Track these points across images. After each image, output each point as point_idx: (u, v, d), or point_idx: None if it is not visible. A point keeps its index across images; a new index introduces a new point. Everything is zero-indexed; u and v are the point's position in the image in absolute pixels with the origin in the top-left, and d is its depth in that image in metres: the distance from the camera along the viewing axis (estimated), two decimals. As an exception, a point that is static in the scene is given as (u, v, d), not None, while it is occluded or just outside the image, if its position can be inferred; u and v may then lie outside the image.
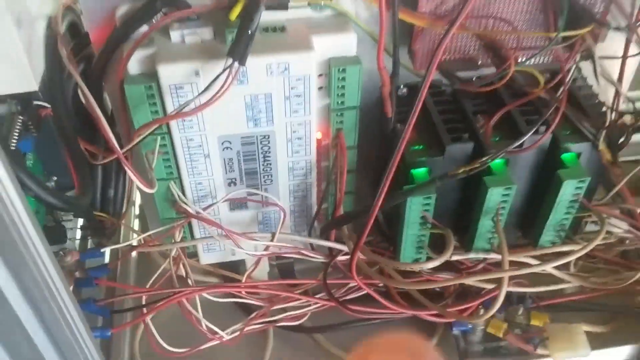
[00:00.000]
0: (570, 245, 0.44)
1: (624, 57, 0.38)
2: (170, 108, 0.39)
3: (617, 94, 0.48)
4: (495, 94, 0.44)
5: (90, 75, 0.41)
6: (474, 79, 0.45)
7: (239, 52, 0.36)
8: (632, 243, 0.56)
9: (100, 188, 0.47)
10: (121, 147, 0.40)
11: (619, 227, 0.57)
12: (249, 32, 0.36)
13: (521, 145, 0.42)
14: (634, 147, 0.64)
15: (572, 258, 0.42)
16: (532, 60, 0.41)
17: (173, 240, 0.46)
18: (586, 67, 0.45)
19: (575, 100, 0.44)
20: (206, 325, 0.48)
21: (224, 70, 0.36)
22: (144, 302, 0.47)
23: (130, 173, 0.40)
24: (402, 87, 0.46)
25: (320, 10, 0.40)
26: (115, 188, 0.48)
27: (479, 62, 0.43)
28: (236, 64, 0.36)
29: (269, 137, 0.42)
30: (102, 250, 0.48)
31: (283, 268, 0.54)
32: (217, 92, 0.36)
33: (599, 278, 0.51)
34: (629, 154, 0.64)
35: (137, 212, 0.61)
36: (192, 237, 0.48)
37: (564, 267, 0.48)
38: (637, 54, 0.36)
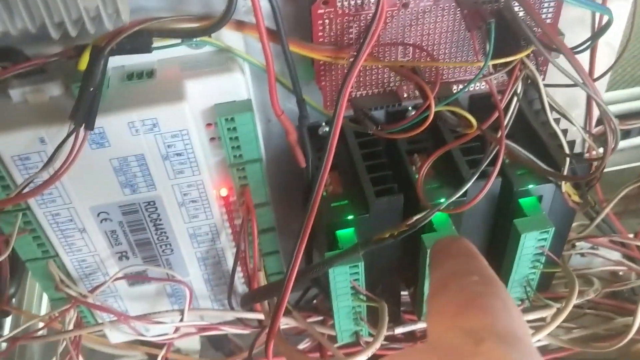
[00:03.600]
0: (537, 312, 0.36)
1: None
2: (19, 181, 0.31)
3: (590, 119, 0.39)
4: (436, 126, 0.36)
5: None
6: (409, 108, 0.37)
7: (81, 114, 0.28)
8: (622, 280, 0.48)
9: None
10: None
11: (609, 258, 0.49)
12: (91, 88, 0.28)
13: (464, 194, 0.33)
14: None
15: (537, 337, 0.33)
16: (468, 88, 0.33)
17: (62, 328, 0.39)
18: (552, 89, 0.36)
19: (531, 131, 0.35)
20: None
21: (68, 136, 0.29)
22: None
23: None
24: (323, 124, 0.38)
25: (197, 47, 0.32)
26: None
27: (404, 96, 0.35)
28: (81, 128, 0.29)
29: (154, 203, 0.34)
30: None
31: (214, 338, 0.46)
32: (64, 163, 0.29)
33: (584, 330, 0.43)
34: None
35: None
36: (93, 317, 0.41)
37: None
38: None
